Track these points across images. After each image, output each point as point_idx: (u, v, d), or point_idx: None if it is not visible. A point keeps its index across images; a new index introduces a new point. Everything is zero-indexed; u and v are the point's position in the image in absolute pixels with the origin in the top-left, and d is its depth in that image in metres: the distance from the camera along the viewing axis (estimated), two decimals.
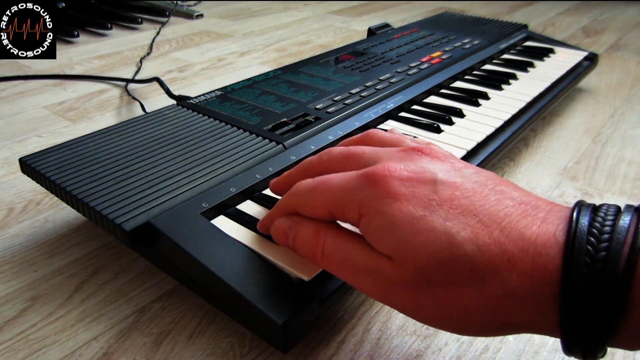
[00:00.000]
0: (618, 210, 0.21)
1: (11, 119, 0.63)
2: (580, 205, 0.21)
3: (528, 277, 0.20)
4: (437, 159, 0.25)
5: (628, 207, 0.21)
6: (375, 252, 0.24)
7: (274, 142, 0.41)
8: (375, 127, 0.47)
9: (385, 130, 0.46)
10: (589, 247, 0.19)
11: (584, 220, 0.20)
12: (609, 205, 0.21)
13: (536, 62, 0.66)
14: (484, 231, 0.21)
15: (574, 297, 0.19)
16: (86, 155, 0.38)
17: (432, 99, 0.54)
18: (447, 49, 0.66)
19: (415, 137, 0.34)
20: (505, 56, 0.69)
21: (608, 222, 0.20)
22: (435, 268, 0.21)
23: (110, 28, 1.01)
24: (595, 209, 0.21)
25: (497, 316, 0.21)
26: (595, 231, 0.20)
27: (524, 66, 0.64)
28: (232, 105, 0.48)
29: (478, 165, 0.43)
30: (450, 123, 0.48)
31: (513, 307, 0.21)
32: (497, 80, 0.58)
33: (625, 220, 0.20)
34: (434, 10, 1.26)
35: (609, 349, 0.21)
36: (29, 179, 0.39)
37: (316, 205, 0.26)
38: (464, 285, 0.21)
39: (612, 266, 0.19)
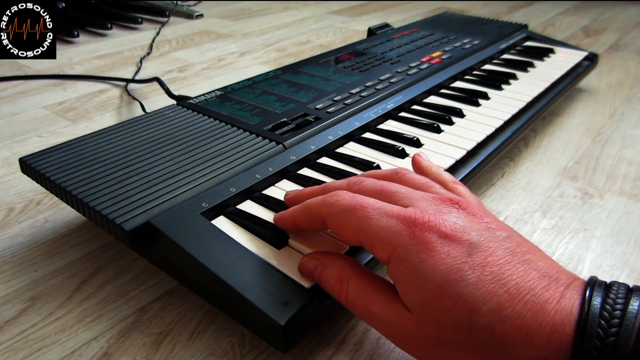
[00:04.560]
0: (628, 291, 0.22)
1: (11, 119, 0.63)
2: (593, 283, 0.22)
3: (542, 352, 0.21)
4: (472, 217, 0.25)
5: (637, 288, 0.22)
6: (398, 304, 0.24)
7: (274, 142, 0.41)
8: (375, 126, 0.47)
9: (390, 129, 0.46)
10: (600, 330, 0.20)
11: (596, 302, 0.21)
12: (619, 285, 0.22)
13: (536, 62, 0.66)
14: (508, 303, 0.22)
15: None
16: (86, 155, 0.38)
17: (432, 99, 0.54)
18: (447, 49, 0.66)
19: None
20: (505, 56, 0.69)
21: (619, 306, 0.21)
22: (454, 332, 0.22)
23: (110, 28, 1.01)
24: (607, 288, 0.22)
25: None
26: (607, 314, 0.21)
27: (524, 66, 0.64)
28: (232, 105, 0.48)
29: (478, 165, 0.43)
30: (450, 123, 0.48)
31: None
32: (497, 80, 0.58)
33: (634, 305, 0.21)
34: (434, 10, 1.26)
35: None
36: (29, 179, 0.39)
37: (347, 229, 0.26)
38: (479, 352, 0.22)
39: (620, 352, 0.20)
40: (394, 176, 0.30)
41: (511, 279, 0.22)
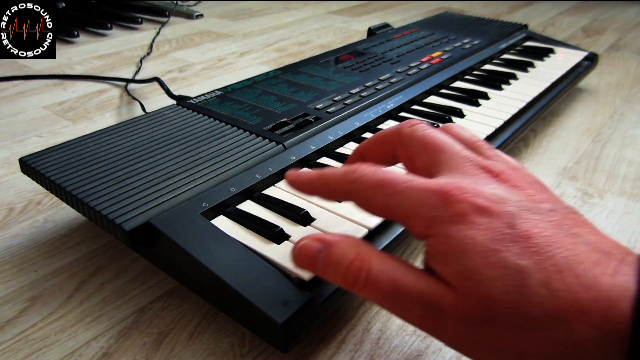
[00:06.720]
0: None
1: (11, 119, 0.63)
2: None
3: (598, 330, 0.19)
4: (514, 188, 0.23)
5: None
6: (434, 280, 0.22)
7: (274, 142, 0.41)
8: (375, 127, 0.47)
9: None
10: None
11: None
12: None
13: (536, 62, 0.66)
14: (557, 275, 0.20)
15: None
16: (86, 155, 0.38)
17: (432, 99, 0.54)
18: (447, 49, 0.66)
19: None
20: (505, 56, 0.69)
21: None
22: (503, 306, 0.20)
23: (110, 28, 1.01)
24: None
25: None
26: None
27: (524, 66, 0.64)
28: (232, 105, 0.48)
29: None
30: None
31: (577, 358, 0.20)
32: (497, 80, 0.58)
33: None
34: (434, 10, 1.26)
35: None
36: (29, 179, 0.39)
37: (377, 206, 0.25)
38: (529, 330, 0.20)
39: None
40: (443, 127, 0.29)
41: (558, 252, 0.20)
